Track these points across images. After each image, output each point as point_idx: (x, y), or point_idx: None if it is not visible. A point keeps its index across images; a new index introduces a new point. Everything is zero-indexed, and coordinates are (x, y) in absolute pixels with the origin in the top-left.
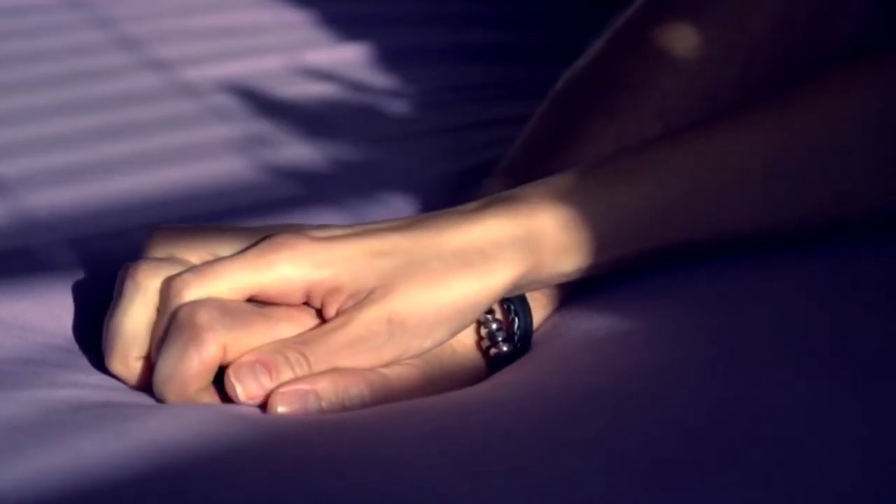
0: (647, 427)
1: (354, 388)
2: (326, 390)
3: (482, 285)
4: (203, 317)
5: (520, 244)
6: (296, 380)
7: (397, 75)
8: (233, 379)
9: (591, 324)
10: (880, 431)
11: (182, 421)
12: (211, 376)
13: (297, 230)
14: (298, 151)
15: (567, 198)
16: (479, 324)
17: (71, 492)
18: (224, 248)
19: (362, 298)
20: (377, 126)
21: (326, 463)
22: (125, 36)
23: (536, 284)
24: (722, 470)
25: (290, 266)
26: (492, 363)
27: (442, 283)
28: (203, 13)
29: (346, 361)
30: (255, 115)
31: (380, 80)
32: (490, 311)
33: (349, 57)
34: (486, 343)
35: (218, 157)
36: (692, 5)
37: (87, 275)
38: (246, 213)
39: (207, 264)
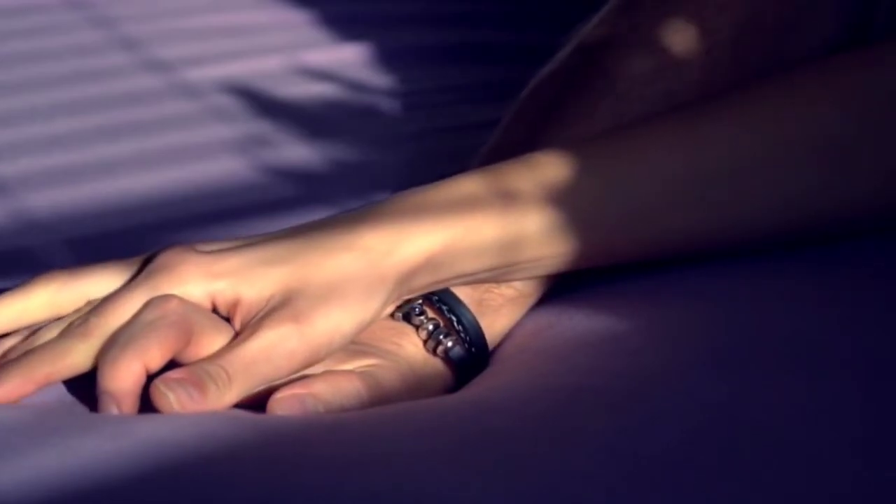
0: (642, 427)
1: (350, 386)
2: (323, 391)
3: (373, 274)
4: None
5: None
6: (290, 384)
7: (397, 75)
8: (163, 388)
9: (587, 324)
10: (872, 430)
11: (179, 422)
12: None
13: (184, 245)
14: (298, 152)
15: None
16: (416, 328)
17: (68, 493)
18: (107, 285)
19: (265, 307)
20: (377, 126)
21: (325, 463)
22: (125, 36)
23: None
24: (715, 469)
25: (183, 284)
26: (456, 367)
27: (338, 280)
28: (203, 13)
29: (264, 370)
30: (255, 116)
31: (379, 80)
32: (422, 313)
33: (349, 57)
34: (431, 345)
35: (218, 157)
36: (656, 8)
37: None
38: (246, 214)
39: (103, 305)
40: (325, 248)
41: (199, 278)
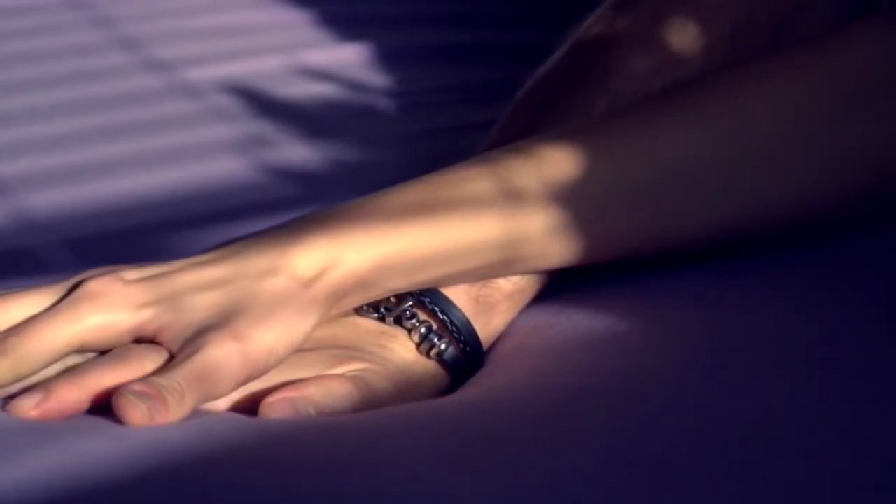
0: (642, 427)
1: (341, 390)
2: (315, 395)
3: (305, 297)
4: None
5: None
6: (282, 388)
7: (396, 75)
8: (130, 396)
9: (587, 324)
10: (872, 430)
11: (177, 423)
12: None
13: (109, 274)
14: (298, 152)
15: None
16: (409, 331)
17: (67, 493)
18: (32, 309)
19: (196, 328)
20: (377, 126)
21: (324, 463)
22: (125, 36)
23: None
24: (715, 469)
25: (108, 313)
26: (450, 369)
27: (271, 303)
28: (203, 13)
29: (209, 386)
30: (255, 116)
31: (379, 80)
32: (413, 316)
33: (348, 57)
34: (425, 347)
35: (218, 157)
36: (654, 6)
37: None
38: (246, 214)
39: (23, 327)
40: (255, 272)
41: (124, 308)
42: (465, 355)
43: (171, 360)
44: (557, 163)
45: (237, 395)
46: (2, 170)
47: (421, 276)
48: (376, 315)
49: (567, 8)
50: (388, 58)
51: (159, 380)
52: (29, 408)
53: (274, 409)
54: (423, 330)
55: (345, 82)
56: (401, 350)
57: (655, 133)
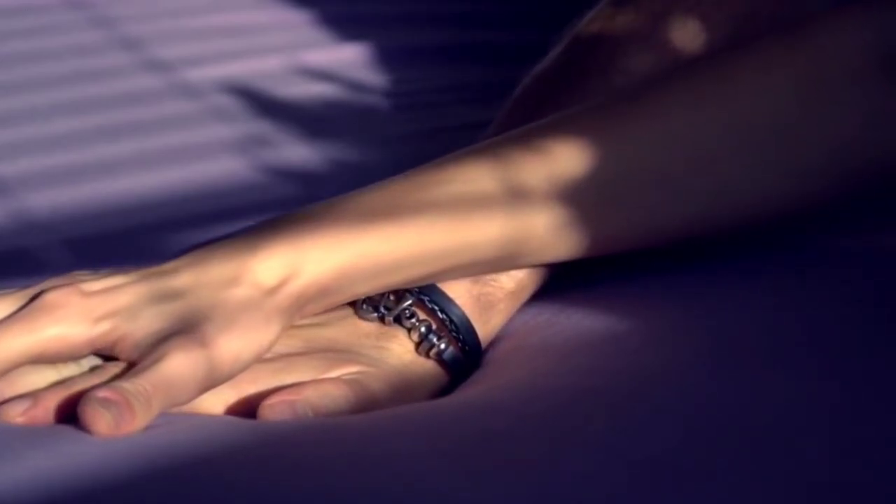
0: (642, 427)
1: (338, 393)
2: (313, 397)
3: (268, 306)
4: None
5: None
6: (280, 391)
7: (397, 75)
8: (95, 404)
9: (587, 323)
10: (873, 429)
11: (176, 424)
12: None
13: (70, 284)
14: (298, 152)
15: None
16: (409, 331)
17: (66, 494)
18: None
19: (157, 336)
20: (377, 126)
21: (324, 464)
22: (125, 36)
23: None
24: (716, 469)
25: (66, 325)
26: (449, 368)
27: (235, 312)
28: (203, 13)
29: (175, 392)
30: (255, 116)
31: (379, 80)
32: (412, 315)
33: (348, 57)
34: (424, 347)
35: (218, 157)
36: (653, 3)
37: None
38: (246, 214)
39: None
40: (217, 282)
41: (81, 320)
42: (464, 355)
43: (134, 367)
44: (557, 156)
45: (231, 399)
46: (2, 170)
47: (386, 280)
48: (376, 314)
49: (567, 8)
50: (387, 58)
51: (126, 385)
52: (16, 414)
53: (273, 411)
54: (422, 329)
55: (345, 82)
56: (399, 350)
57: (668, 118)
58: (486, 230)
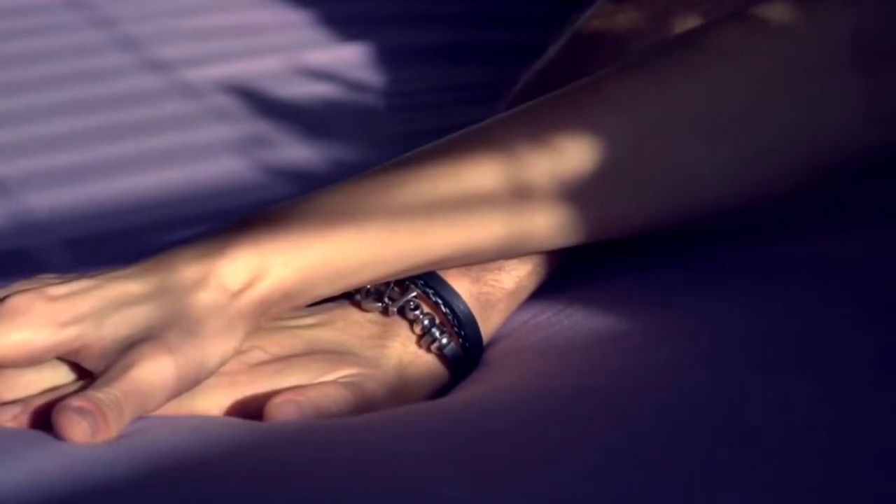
0: (642, 427)
1: (338, 394)
2: (314, 398)
3: (233, 310)
4: None
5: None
6: (285, 392)
7: (397, 75)
8: (70, 413)
9: (586, 323)
10: (872, 429)
11: (174, 425)
12: None
13: (35, 288)
14: (298, 152)
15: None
16: (411, 322)
17: (65, 495)
18: None
19: (123, 343)
20: (377, 126)
21: (324, 465)
22: (125, 36)
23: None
24: (715, 469)
25: (29, 330)
26: (450, 364)
27: (201, 316)
28: (203, 13)
29: (144, 400)
30: (255, 116)
31: (379, 80)
32: (417, 307)
33: (348, 57)
34: (426, 341)
35: (218, 157)
36: (654, 1)
37: None
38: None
39: None
40: (182, 285)
41: (46, 325)
42: (464, 351)
43: (103, 374)
44: (515, 149)
45: (230, 400)
46: (2, 170)
47: (348, 282)
48: (380, 305)
49: (566, 8)
50: (388, 58)
51: (97, 394)
52: (7, 418)
53: (281, 410)
54: (426, 322)
55: (345, 82)
56: (399, 350)
57: (633, 107)
58: (445, 235)
